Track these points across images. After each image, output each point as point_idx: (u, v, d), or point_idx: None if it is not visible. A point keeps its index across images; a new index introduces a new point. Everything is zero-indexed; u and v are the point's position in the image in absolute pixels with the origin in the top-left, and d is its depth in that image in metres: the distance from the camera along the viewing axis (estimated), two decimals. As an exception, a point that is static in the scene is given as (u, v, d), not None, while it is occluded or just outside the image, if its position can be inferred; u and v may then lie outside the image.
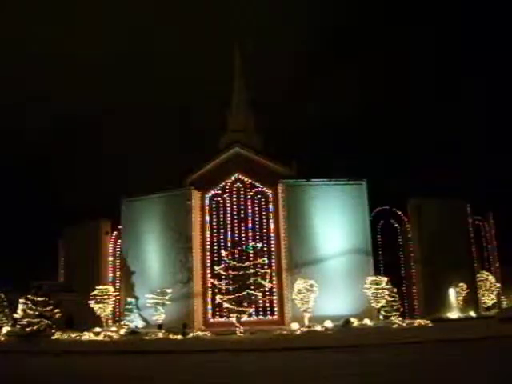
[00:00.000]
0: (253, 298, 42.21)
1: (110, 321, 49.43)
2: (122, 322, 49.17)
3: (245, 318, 42.55)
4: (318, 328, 41.85)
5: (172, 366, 27.42)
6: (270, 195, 52.53)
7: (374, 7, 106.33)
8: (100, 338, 42.79)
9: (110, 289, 49.61)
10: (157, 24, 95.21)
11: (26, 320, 43.33)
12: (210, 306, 50.50)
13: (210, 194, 53.57)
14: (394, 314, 44.89)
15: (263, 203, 52.66)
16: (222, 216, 52.66)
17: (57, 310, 44.60)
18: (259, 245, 44.00)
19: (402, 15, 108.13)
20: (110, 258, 55.88)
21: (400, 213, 54.66)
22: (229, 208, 52.75)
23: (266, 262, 44.14)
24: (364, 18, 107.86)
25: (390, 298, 45.31)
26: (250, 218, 51.80)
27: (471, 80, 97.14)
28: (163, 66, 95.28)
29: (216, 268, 44.32)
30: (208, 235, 52.63)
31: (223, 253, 43.63)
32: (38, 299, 43.79)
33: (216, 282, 44.13)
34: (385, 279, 45.82)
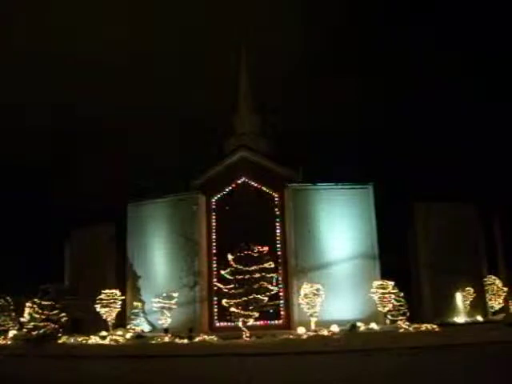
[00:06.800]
0: (259, 302, 42.25)
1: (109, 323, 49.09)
2: (129, 326, 49.24)
3: (251, 322, 42.55)
4: (325, 332, 41.78)
5: (178, 370, 27.41)
6: (277, 199, 52.56)
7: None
8: (106, 341, 42.84)
9: (117, 293, 49.60)
10: (157, 25, 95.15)
11: (33, 324, 43.46)
12: (216, 311, 50.51)
13: (216, 198, 53.64)
14: (400, 318, 44.77)
15: (269, 207, 52.65)
16: (228, 220, 52.64)
17: (63, 314, 44.73)
18: (266, 248, 44.15)
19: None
20: (116, 262, 55.88)
21: (405, 216, 54.51)
22: (235, 212, 52.72)
23: (273, 266, 44.18)
24: (363, 19, 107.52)
25: (396, 303, 45.17)
26: (256, 223, 51.71)
27: (472, 80, 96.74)
28: (163, 67, 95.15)
29: (222, 272, 44.39)
30: (214, 239, 52.71)
31: (229, 257, 43.66)
32: (45, 303, 43.92)
33: (222, 286, 44.17)
34: (391, 283, 45.68)
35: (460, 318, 50.78)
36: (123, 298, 50.56)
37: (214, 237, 52.82)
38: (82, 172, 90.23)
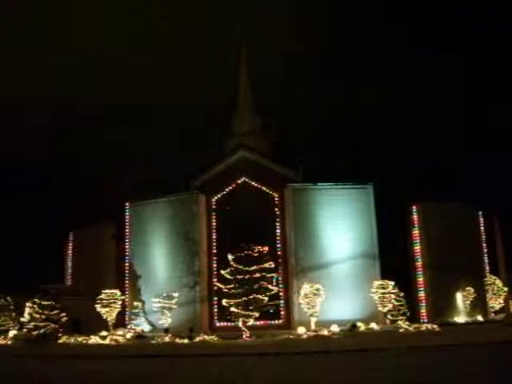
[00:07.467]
0: (259, 302, 42.25)
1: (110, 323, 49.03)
2: (129, 326, 49.26)
3: (251, 322, 42.55)
4: (325, 332, 41.77)
5: (178, 370, 27.39)
6: (277, 199, 52.57)
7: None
8: (106, 341, 42.83)
9: (117, 293, 49.60)
10: (157, 25, 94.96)
11: (33, 324, 43.45)
12: (216, 310, 50.52)
13: (216, 198, 53.63)
14: (400, 318, 44.76)
15: (270, 207, 52.65)
16: (228, 220, 52.62)
17: (63, 314, 44.73)
18: (266, 248, 44.21)
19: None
20: (116, 262, 55.88)
21: (405, 216, 54.48)
22: (235, 212, 52.70)
23: (273, 266, 44.20)
24: (363, 19, 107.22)
25: (396, 302, 45.17)
26: (256, 222, 51.70)
27: (472, 80, 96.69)
28: (163, 67, 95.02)
29: (222, 272, 44.39)
30: (214, 239, 52.71)
31: (229, 257, 43.67)
32: (45, 303, 43.92)
33: (222, 286, 44.16)
34: (391, 283, 45.68)
35: (460, 318, 50.81)
36: (123, 297, 50.58)
37: (214, 237, 52.85)
38: (81, 172, 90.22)
